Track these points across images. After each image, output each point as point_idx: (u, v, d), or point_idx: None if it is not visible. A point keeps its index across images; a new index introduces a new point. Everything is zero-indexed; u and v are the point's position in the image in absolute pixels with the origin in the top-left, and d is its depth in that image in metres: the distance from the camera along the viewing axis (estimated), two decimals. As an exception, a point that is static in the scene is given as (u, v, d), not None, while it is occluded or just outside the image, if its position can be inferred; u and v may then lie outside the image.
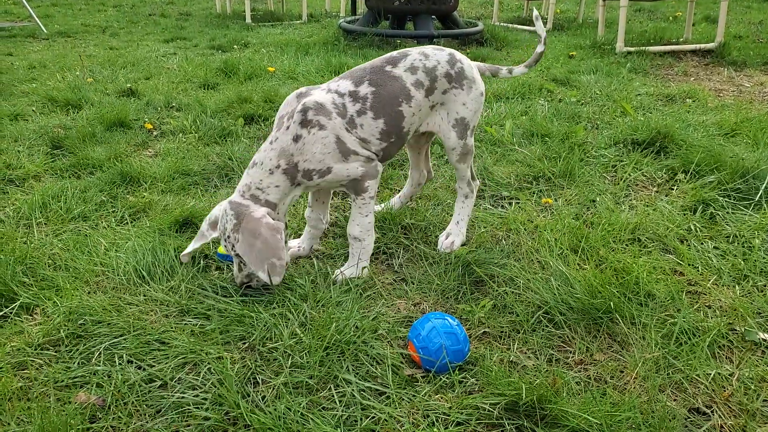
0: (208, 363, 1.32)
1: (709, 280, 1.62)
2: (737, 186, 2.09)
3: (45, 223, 2.00)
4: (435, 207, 2.08)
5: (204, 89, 3.81)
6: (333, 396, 1.23)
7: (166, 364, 1.32)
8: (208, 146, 2.71)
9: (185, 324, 1.46)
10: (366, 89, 1.58)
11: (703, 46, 4.62)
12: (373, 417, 1.18)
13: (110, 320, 1.46)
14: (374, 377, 1.29)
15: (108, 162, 2.50)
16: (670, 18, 6.66)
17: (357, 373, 1.29)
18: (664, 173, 2.32)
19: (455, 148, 1.74)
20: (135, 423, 1.18)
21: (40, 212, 2.04)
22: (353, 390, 1.24)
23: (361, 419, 1.18)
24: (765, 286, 1.60)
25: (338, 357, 1.33)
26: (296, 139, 1.52)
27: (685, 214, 1.98)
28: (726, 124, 2.76)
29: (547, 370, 1.30)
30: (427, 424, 1.17)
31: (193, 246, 1.62)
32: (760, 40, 5.11)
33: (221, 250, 1.74)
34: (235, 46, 5.42)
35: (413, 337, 1.33)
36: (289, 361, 1.32)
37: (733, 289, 1.59)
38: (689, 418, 1.19)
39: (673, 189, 2.19)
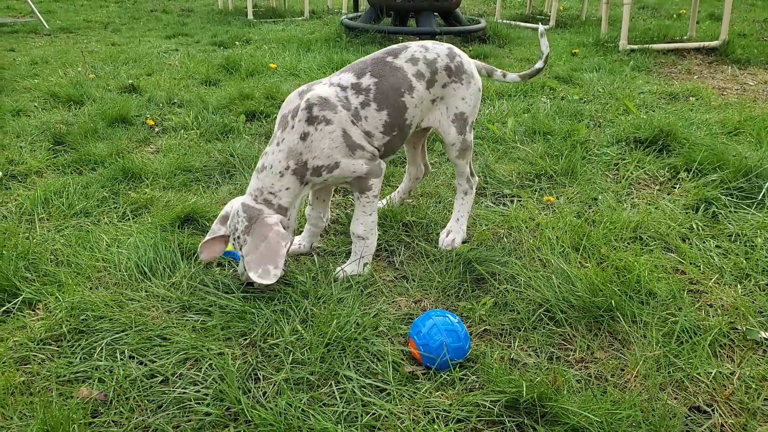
0: (210, 359, 1.32)
1: (711, 279, 1.62)
2: (740, 185, 2.08)
3: (47, 219, 2.00)
4: (436, 204, 2.08)
5: (206, 86, 3.81)
6: (334, 392, 1.24)
7: (167, 359, 1.32)
8: (210, 143, 2.71)
9: (187, 320, 1.46)
10: (368, 80, 1.58)
11: (706, 44, 4.60)
12: (374, 413, 1.19)
13: (112, 316, 1.46)
14: (375, 374, 1.29)
15: (110, 158, 2.50)
16: (674, 15, 6.63)
17: (358, 370, 1.29)
18: (667, 171, 2.31)
19: (455, 143, 1.74)
20: (136, 418, 1.18)
21: (42, 208, 2.05)
22: (354, 386, 1.24)
23: (361, 415, 1.18)
24: (767, 285, 1.60)
25: (339, 353, 1.33)
26: (303, 137, 1.51)
27: (687, 213, 1.98)
28: (729, 123, 2.75)
29: (547, 368, 1.30)
30: (428, 421, 1.17)
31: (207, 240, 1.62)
32: (764, 38, 5.09)
33: (226, 247, 1.74)
34: (237, 43, 5.42)
35: (414, 334, 1.33)
36: (290, 358, 1.32)
37: (734, 288, 1.58)
38: (690, 416, 1.19)
39: (675, 187, 2.19)
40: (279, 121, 1.57)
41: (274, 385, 1.26)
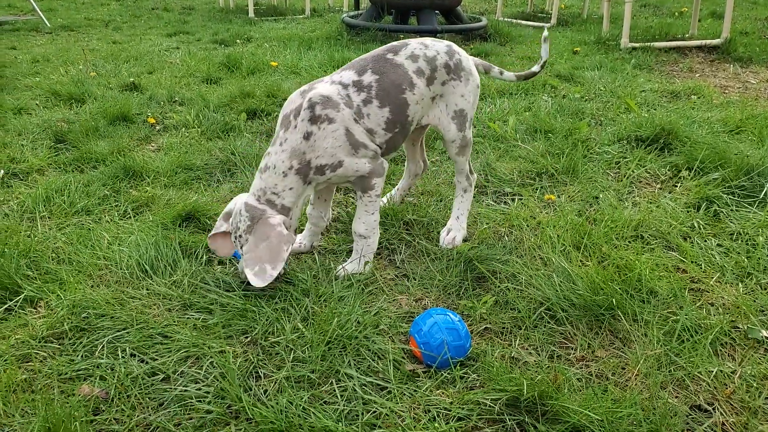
0: (211, 357, 1.32)
1: (712, 278, 1.62)
2: (741, 183, 2.08)
3: (48, 217, 2.00)
4: (437, 203, 2.08)
5: (207, 84, 3.81)
6: (334, 390, 1.24)
7: (168, 357, 1.33)
8: (211, 141, 2.72)
9: (188, 318, 1.47)
10: (370, 77, 1.58)
11: (708, 42, 4.59)
12: (375, 411, 1.19)
13: (113, 314, 1.46)
14: (376, 372, 1.29)
15: (111, 156, 2.50)
16: (676, 14, 6.62)
17: (358, 368, 1.30)
18: (668, 170, 2.31)
19: (455, 140, 1.75)
20: (138, 416, 1.19)
21: (44, 206, 2.05)
22: (355, 384, 1.25)
23: (362, 414, 1.18)
24: (768, 283, 1.60)
25: (340, 352, 1.33)
26: (307, 136, 1.51)
27: (688, 212, 1.98)
28: (731, 121, 2.75)
29: (548, 367, 1.30)
30: (428, 419, 1.17)
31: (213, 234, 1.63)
32: (766, 36, 5.08)
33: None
34: (238, 41, 5.41)
35: (415, 333, 1.33)
36: (291, 356, 1.32)
37: (736, 287, 1.58)
38: (690, 415, 1.19)
39: (676, 186, 2.19)
40: (281, 121, 1.57)
41: (275, 383, 1.26)
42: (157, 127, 2.94)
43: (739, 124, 2.71)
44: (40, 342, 1.39)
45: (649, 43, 4.56)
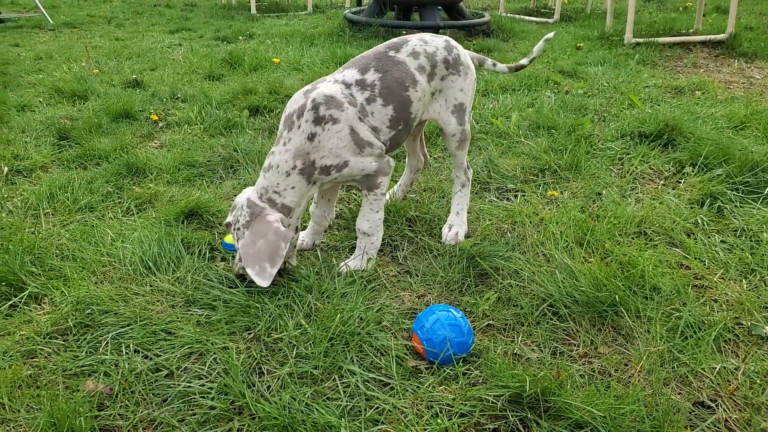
0: (214, 353, 1.33)
1: (716, 274, 1.62)
2: (746, 179, 2.07)
3: (52, 214, 2.01)
4: (440, 199, 2.08)
5: (209, 80, 3.81)
6: (337, 386, 1.24)
7: (172, 353, 1.33)
8: (214, 138, 2.72)
9: (191, 314, 1.47)
10: (373, 76, 1.58)
11: (713, 37, 4.57)
12: (377, 407, 1.19)
13: (117, 310, 1.47)
14: (378, 368, 1.29)
15: (114, 153, 2.51)
16: (680, 8, 6.59)
17: (361, 364, 1.30)
18: (672, 166, 2.30)
19: (455, 134, 1.76)
20: (142, 411, 1.19)
21: (48, 203, 2.06)
22: (357, 381, 1.25)
23: (365, 409, 1.18)
24: (772, 279, 1.60)
25: (343, 348, 1.34)
26: (311, 137, 1.51)
27: (692, 208, 1.97)
28: (735, 117, 2.74)
29: (551, 363, 1.30)
30: (431, 415, 1.17)
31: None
32: (770, 31, 5.05)
33: (227, 239, 1.74)
34: (240, 37, 5.41)
35: (417, 329, 1.33)
36: (294, 352, 1.33)
37: (739, 283, 1.58)
38: (694, 411, 1.19)
39: (680, 182, 2.18)
40: (284, 121, 1.57)
41: (278, 379, 1.26)
42: (160, 124, 2.94)
43: (743, 119, 2.70)
44: (44, 338, 1.39)
45: (653, 39, 4.54)
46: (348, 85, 1.57)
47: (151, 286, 1.59)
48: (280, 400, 1.18)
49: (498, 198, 2.11)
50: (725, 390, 1.23)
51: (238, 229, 1.53)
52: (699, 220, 1.89)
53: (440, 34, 4.85)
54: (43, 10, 6.80)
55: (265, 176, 1.55)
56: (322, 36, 5.18)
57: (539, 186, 2.18)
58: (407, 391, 1.24)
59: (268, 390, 1.24)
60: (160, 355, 1.33)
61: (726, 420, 1.17)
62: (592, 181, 2.19)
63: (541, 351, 1.36)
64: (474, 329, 1.42)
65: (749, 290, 1.55)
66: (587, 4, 6.84)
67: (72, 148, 2.60)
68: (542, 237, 1.78)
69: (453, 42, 1.75)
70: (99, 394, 1.23)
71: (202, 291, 1.55)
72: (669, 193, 2.09)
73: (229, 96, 3.29)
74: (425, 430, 1.13)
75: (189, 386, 1.24)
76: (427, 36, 1.72)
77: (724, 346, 1.35)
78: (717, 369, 1.27)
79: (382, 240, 1.79)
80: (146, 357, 1.33)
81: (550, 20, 6.14)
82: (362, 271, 1.63)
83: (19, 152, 2.53)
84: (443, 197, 2.09)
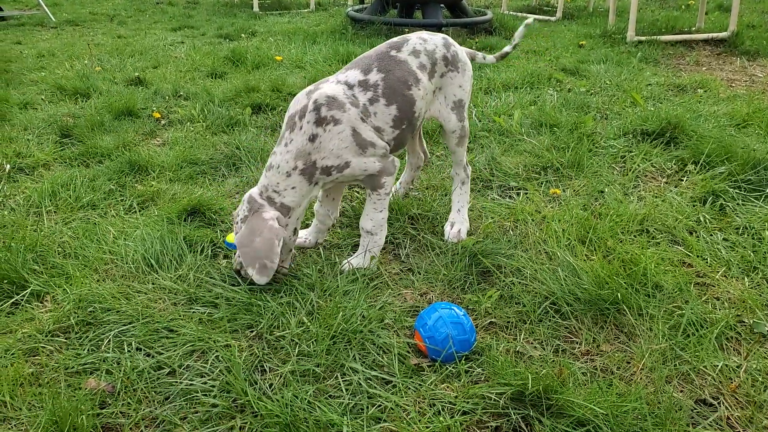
0: (216, 351, 1.33)
1: (718, 272, 1.61)
2: (748, 177, 2.07)
3: (54, 212, 2.01)
4: (442, 197, 2.07)
5: (211, 78, 3.81)
6: (340, 384, 1.24)
7: (174, 351, 1.33)
8: (216, 135, 2.72)
9: (193, 312, 1.47)
10: (375, 76, 1.59)
11: (715, 35, 4.56)
12: (380, 405, 1.19)
13: (119, 308, 1.47)
14: (381, 366, 1.29)
15: (116, 151, 2.51)
16: (683, 6, 6.57)
17: (363, 362, 1.30)
18: (674, 164, 2.30)
19: (455, 131, 1.78)
20: (144, 409, 1.19)
21: (50, 200, 2.06)
22: (360, 378, 1.25)
23: (367, 407, 1.18)
24: (774, 278, 1.59)
25: (345, 346, 1.34)
26: (312, 138, 1.51)
27: (694, 206, 1.97)
28: (737, 115, 2.73)
29: (553, 361, 1.30)
30: (433, 413, 1.17)
31: None
32: (773, 29, 5.03)
33: (230, 238, 1.74)
34: (243, 35, 5.41)
35: (420, 327, 1.33)
36: (296, 350, 1.33)
37: (741, 281, 1.58)
38: (696, 409, 1.19)
39: (682, 180, 2.18)
40: (286, 121, 1.57)
41: (281, 377, 1.27)
42: (162, 122, 2.94)
43: (745, 117, 2.70)
44: (46, 336, 1.40)
45: (655, 37, 4.53)
46: (351, 86, 1.57)
47: (153, 283, 1.59)
48: (282, 397, 1.19)
49: (500, 196, 2.11)
50: (727, 388, 1.23)
51: (237, 223, 1.55)
52: (701, 218, 1.88)
53: (443, 32, 4.84)
54: (45, 7, 6.80)
55: (266, 175, 1.55)
56: (324, 34, 5.17)
57: (541, 184, 2.18)
58: (409, 388, 1.24)
59: (270, 388, 1.24)
60: (162, 353, 1.33)
61: (728, 418, 1.17)
62: (595, 179, 2.19)
63: (544, 349, 1.36)
64: (476, 327, 1.42)
65: (751, 288, 1.55)
66: (590, 2, 6.83)
67: (74, 146, 2.61)
68: (544, 235, 1.78)
69: (450, 39, 1.77)
70: (101, 392, 1.23)
71: (204, 289, 1.56)
72: (671, 191, 2.08)
73: (232, 94, 3.29)
74: (427, 427, 1.13)
75: (191, 384, 1.24)
76: (426, 34, 1.74)
77: (726, 344, 1.35)
78: (719, 367, 1.27)
79: (385, 238, 1.79)
80: (148, 355, 1.34)
81: (553, 18, 6.13)
82: (365, 269, 1.63)
83: (22, 150, 2.53)
84: (445, 195, 2.09)
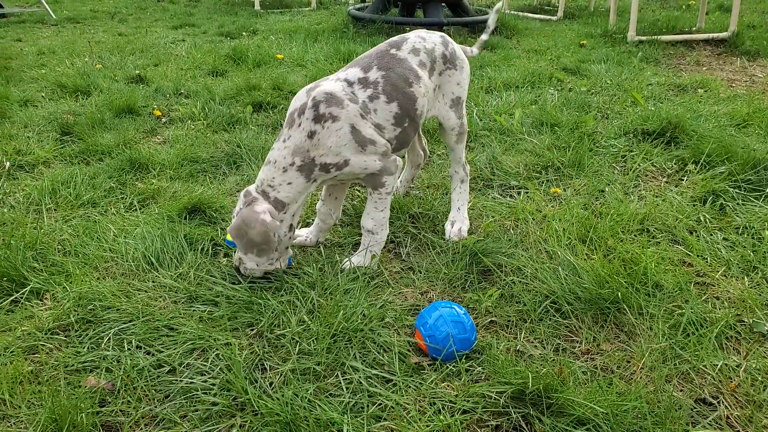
0: (217, 349, 1.33)
1: (718, 272, 1.61)
2: (748, 177, 2.07)
3: (54, 209, 2.01)
4: (443, 196, 2.07)
5: (212, 76, 3.81)
6: (340, 383, 1.24)
7: (174, 349, 1.33)
8: (217, 133, 2.72)
9: (194, 310, 1.47)
10: (376, 74, 1.59)
11: (716, 35, 4.56)
12: (380, 404, 1.19)
13: (119, 306, 1.47)
14: (381, 365, 1.29)
15: (117, 148, 2.51)
16: (683, 7, 6.56)
17: (364, 361, 1.30)
18: (674, 164, 2.30)
19: (454, 128, 1.80)
20: (144, 407, 1.19)
21: (50, 198, 2.06)
22: (360, 377, 1.25)
23: (367, 406, 1.18)
24: (774, 278, 1.59)
25: (345, 344, 1.34)
26: (311, 135, 1.52)
27: (694, 205, 1.97)
28: (738, 115, 2.73)
29: (553, 360, 1.31)
30: (434, 412, 1.17)
31: None
32: (774, 29, 5.02)
33: (230, 236, 1.74)
34: (244, 33, 5.41)
35: (420, 326, 1.33)
36: (297, 348, 1.33)
37: (741, 281, 1.58)
38: (695, 408, 1.19)
39: (683, 180, 2.18)
40: (287, 119, 1.58)
41: (281, 375, 1.27)
42: (163, 120, 2.94)
43: (745, 117, 2.70)
44: (46, 334, 1.40)
45: (656, 37, 4.53)
46: (350, 83, 1.57)
47: (153, 282, 1.59)
48: (283, 396, 1.19)
49: (501, 195, 2.11)
50: (727, 387, 1.23)
51: (235, 215, 1.57)
52: (701, 218, 1.88)
53: (444, 31, 4.84)
54: (46, 5, 6.80)
55: (263, 170, 1.57)
56: (325, 32, 5.17)
57: (542, 183, 2.18)
58: (410, 387, 1.24)
59: (270, 386, 1.24)
60: (163, 351, 1.33)
61: (727, 417, 1.17)
62: (595, 178, 2.19)
63: (544, 348, 1.36)
64: (477, 326, 1.42)
65: (751, 287, 1.55)
66: (591, 1, 6.82)
67: (74, 144, 2.60)
68: (545, 234, 1.78)
69: (448, 37, 1.79)
70: (101, 390, 1.23)
71: (204, 287, 1.56)
72: (671, 190, 2.08)
73: (233, 92, 3.28)
74: (427, 426, 1.13)
75: (191, 382, 1.24)
76: (424, 32, 1.75)
77: (725, 344, 1.35)
78: (719, 366, 1.27)
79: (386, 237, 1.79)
80: (148, 353, 1.34)
81: (554, 17, 6.13)
82: (365, 267, 1.63)
83: (22, 147, 2.53)
84: (446, 194, 2.09)
